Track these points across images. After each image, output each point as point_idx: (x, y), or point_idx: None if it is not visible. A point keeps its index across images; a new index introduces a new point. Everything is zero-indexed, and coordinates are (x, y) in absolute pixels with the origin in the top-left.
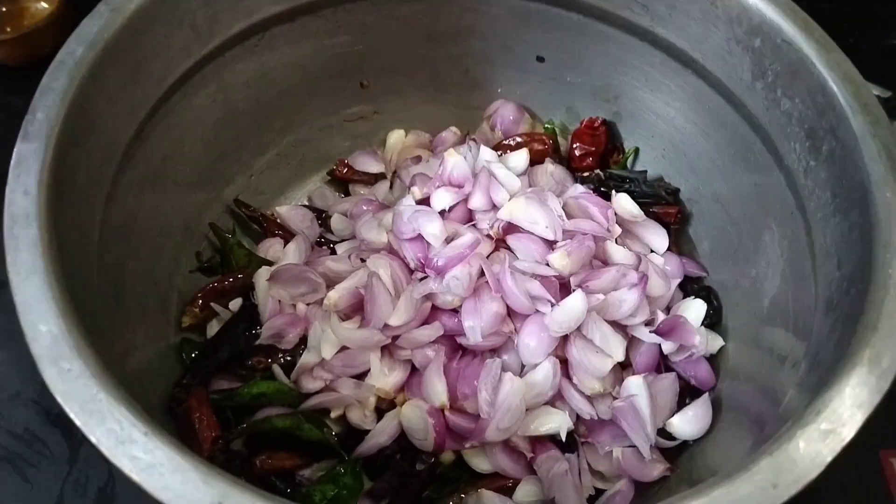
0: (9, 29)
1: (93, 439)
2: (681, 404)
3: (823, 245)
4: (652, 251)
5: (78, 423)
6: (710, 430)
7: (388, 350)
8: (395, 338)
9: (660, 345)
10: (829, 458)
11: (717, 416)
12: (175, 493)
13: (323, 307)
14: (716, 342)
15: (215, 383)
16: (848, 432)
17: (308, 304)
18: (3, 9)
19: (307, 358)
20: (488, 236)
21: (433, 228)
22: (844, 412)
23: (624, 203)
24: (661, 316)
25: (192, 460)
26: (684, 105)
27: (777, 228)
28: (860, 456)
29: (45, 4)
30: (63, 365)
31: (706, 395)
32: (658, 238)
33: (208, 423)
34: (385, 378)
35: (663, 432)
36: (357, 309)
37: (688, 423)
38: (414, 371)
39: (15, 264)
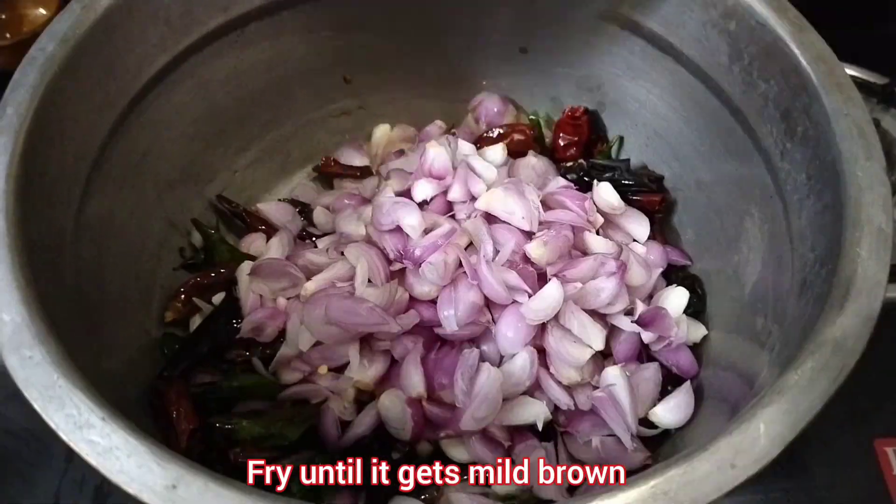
0: (8, 35)
1: (52, 424)
2: (664, 392)
3: (799, 228)
4: (634, 240)
5: (37, 407)
6: (692, 418)
7: (367, 342)
8: None
9: (640, 334)
10: (790, 438)
11: (699, 404)
12: (130, 477)
13: (300, 299)
14: (698, 331)
15: (198, 377)
16: (809, 413)
17: (288, 299)
18: (3, 16)
19: (285, 350)
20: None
21: (412, 220)
22: (804, 395)
23: (604, 194)
24: (640, 305)
25: (147, 444)
26: (665, 92)
27: (758, 213)
28: (855, 445)
29: (43, 11)
30: (24, 353)
31: (688, 383)
32: (639, 227)
33: (186, 415)
34: (365, 370)
35: (645, 421)
36: None
37: (670, 411)
38: (394, 363)
39: None
